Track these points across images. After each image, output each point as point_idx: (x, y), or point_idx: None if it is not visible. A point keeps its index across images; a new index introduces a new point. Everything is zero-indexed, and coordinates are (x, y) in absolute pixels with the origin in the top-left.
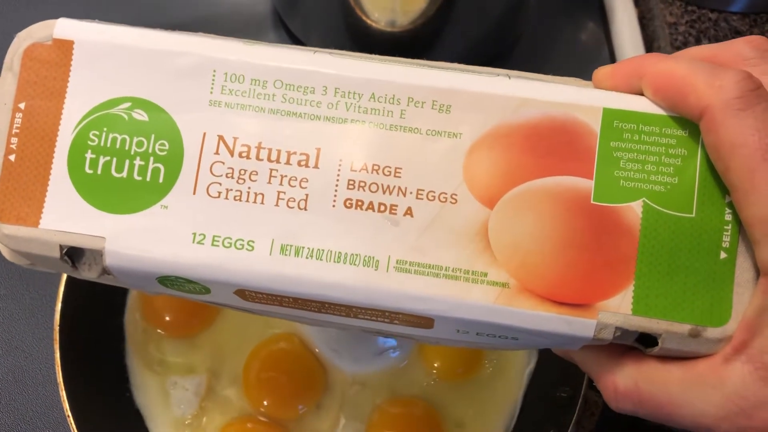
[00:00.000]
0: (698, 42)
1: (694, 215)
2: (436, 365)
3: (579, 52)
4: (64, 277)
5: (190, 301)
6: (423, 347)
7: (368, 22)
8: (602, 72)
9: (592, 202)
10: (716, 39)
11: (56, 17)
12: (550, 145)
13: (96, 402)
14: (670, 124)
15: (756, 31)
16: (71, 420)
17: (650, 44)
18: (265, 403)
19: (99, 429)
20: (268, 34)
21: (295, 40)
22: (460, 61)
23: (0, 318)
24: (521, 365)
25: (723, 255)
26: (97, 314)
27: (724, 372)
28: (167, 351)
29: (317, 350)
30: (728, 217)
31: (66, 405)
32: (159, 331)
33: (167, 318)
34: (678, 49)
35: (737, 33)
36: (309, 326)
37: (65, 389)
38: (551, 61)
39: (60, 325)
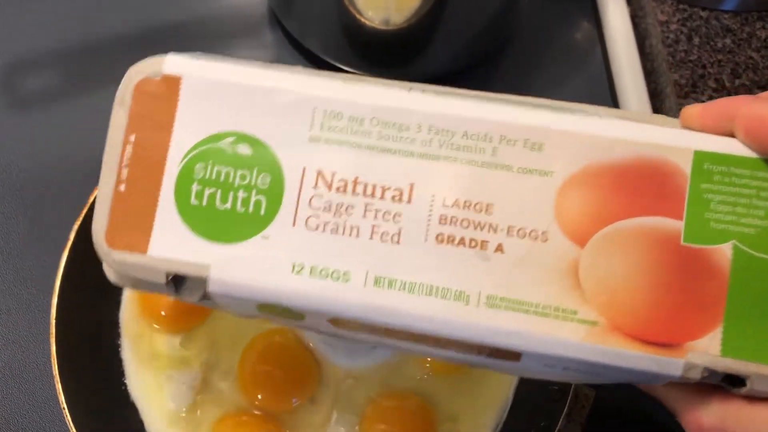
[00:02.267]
0: (689, 40)
1: None
2: (429, 360)
3: (572, 49)
4: (60, 271)
5: None
6: None
7: (362, 20)
8: (691, 111)
9: (682, 243)
10: (707, 37)
11: (54, 14)
12: (641, 185)
13: (91, 395)
14: (762, 167)
15: (747, 30)
16: (67, 413)
17: (642, 41)
18: (260, 396)
19: (94, 422)
20: (265, 34)
21: (291, 39)
22: (454, 59)
23: None
24: None
25: None
26: (93, 308)
27: None
28: (163, 345)
29: (311, 344)
30: None
31: (62, 398)
32: (155, 325)
33: (163, 313)
34: (669, 47)
35: (728, 31)
36: None
37: (61, 383)
38: (545, 58)
39: (56, 320)
